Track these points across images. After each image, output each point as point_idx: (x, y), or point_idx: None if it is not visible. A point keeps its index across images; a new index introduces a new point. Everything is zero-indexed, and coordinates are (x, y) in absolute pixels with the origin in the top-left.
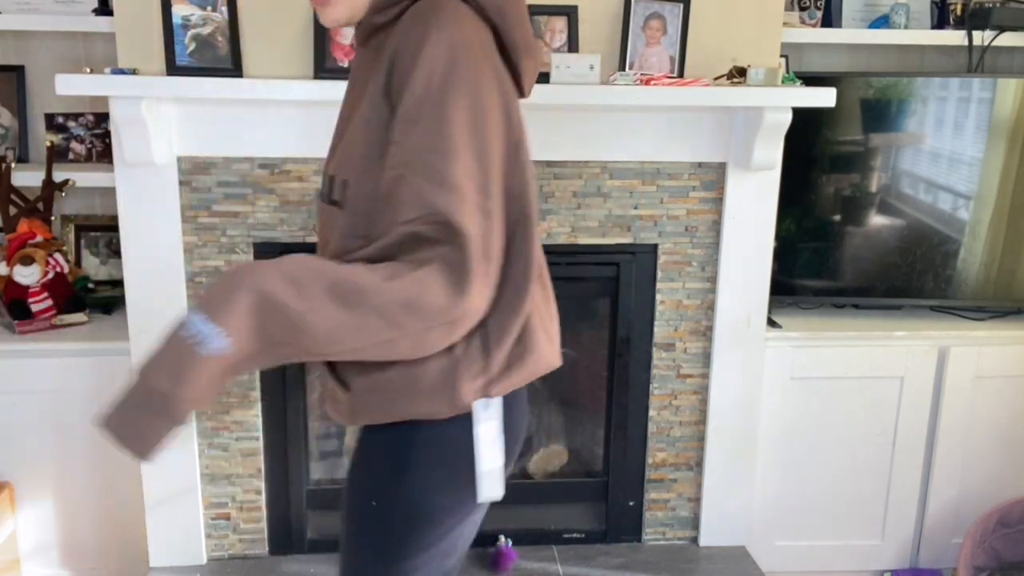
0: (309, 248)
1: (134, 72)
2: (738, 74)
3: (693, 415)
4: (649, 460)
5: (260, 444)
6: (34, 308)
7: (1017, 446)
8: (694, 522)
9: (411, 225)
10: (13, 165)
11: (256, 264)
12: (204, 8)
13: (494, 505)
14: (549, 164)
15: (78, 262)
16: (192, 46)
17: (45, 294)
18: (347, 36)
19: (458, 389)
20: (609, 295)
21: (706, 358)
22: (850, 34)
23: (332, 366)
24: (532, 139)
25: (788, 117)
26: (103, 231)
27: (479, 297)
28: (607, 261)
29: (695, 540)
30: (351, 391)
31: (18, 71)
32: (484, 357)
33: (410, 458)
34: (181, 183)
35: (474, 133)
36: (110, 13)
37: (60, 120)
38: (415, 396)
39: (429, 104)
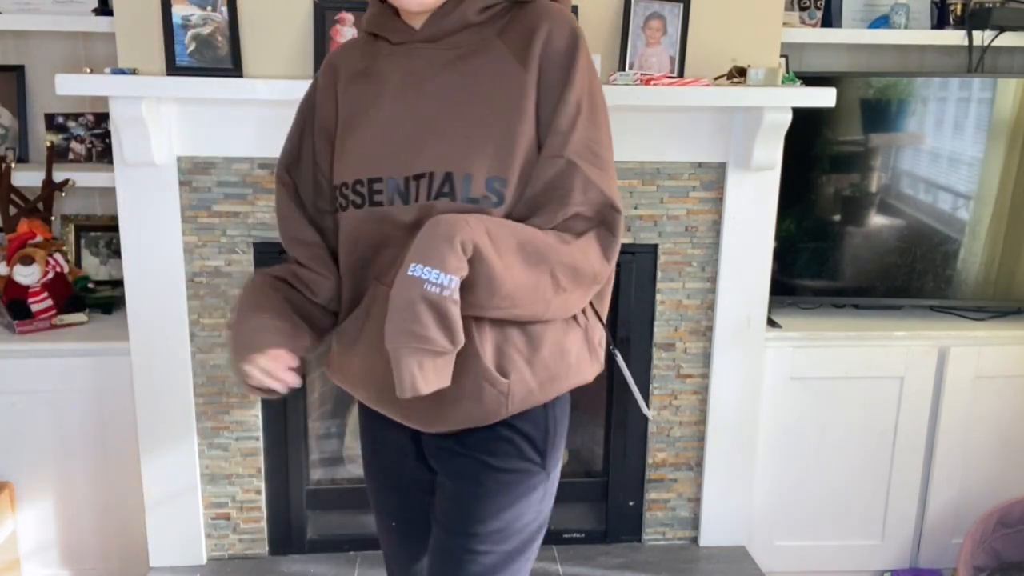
0: None
1: (134, 72)
2: (738, 74)
3: (693, 415)
4: (649, 460)
5: (260, 444)
6: (34, 308)
7: (1017, 446)
8: (694, 522)
9: (583, 207)
10: (13, 165)
11: (461, 217)
12: (204, 8)
13: None
14: None
15: (78, 262)
16: (192, 46)
17: (45, 294)
18: (345, 38)
19: (596, 353)
20: None
21: (706, 358)
22: (850, 34)
23: (481, 358)
24: None
25: (788, 117)
26: (103, 231)
27: (613, 265)
28: None
29: (695, 540)
30: (512, 378)
31: (18, 71)
32: (597, 320)
33: (557, 432)
34: (181, 183)
35: (608, 124)
36: (110, 13)
37: (60, 120)
38: (568, 370)
39: (587, 98)
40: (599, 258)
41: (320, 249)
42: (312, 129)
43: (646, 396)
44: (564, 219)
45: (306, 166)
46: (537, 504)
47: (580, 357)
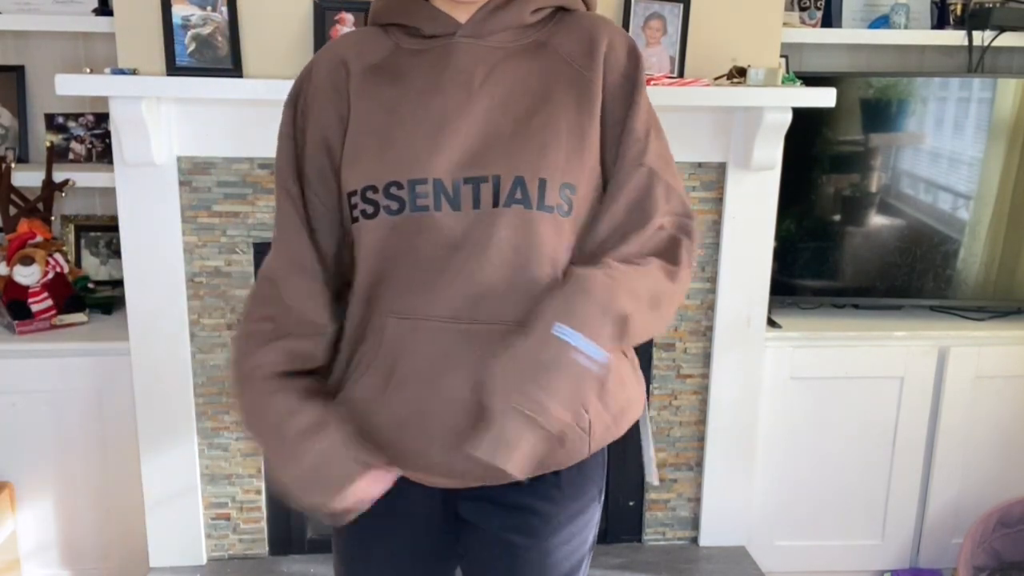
0: None
1: (134, 72)
2: (738, 74)
3: (693, 415)
4: None
5: None
6: (34, 308)
7: (1017, 446)
8: (694, 522)
9: (666, 218)
10: (13, 165)
11: (611, 282)
12: (204, 8)
13: None
14: None
15: (78, 262)
16: (192, 46)
17: (45, 294)
18: None
19: (640, 376)
20: None
21: (706, 358)
22: (850, 34)
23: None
24: None
25: (788, 117)
26: (103, 231)
27: None
28: None
29: (695, 540)
30: (592, 413)
31: (18, 71)
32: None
33: (603, 471)
34: (181, 183)
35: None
36: (110, 13)
37: (60, 120)
38: (628, 400)
39: (652, 108)
40: (689, 276)
41: (317, 282)
42: (307, 135)
43: (647, 396)
44: (664, 242)
45: (308, 178)
46: (594, 529)
47: (632, 384)
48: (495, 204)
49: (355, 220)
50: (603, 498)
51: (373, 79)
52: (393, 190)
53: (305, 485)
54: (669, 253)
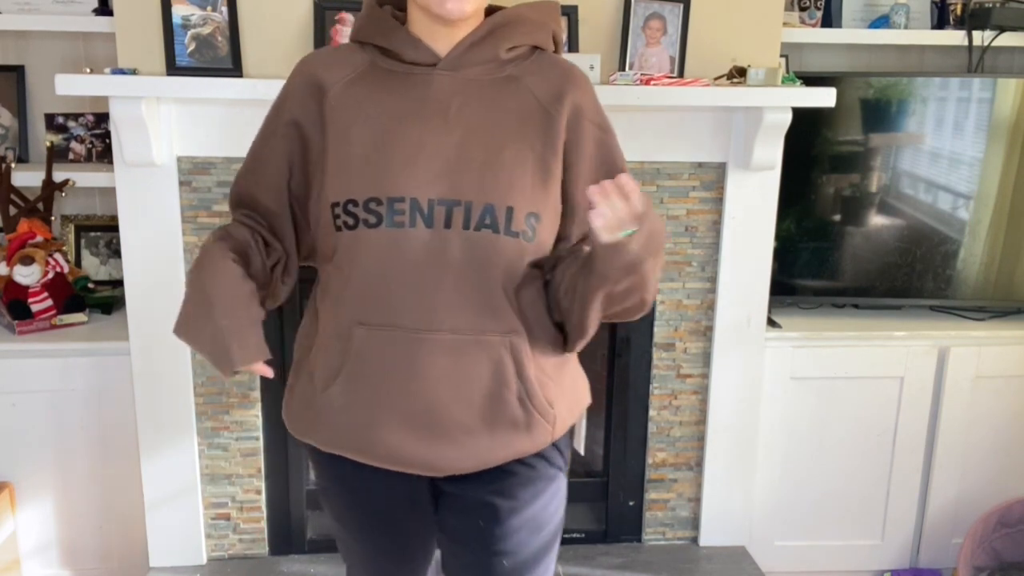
0: None
1: (134, 72)
2: (738, 74)
3: (693, 415)
4: (649, 460)
5: (260, 444)
6: (34, 308)
7: (1017, 446)
8: (694, 522)
9: None
10: (13, 165)
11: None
12: (204, 8)
13: None
14: None
15: (78, 262)
16: (192, 46)
17: (45, 294)
18: (346, 38)
19: (584, 373)
20: None
21: (706, 358)
22: (850, 34)
23: (537, 391)
24: None
25: (788, 117)
26: (103, 231)
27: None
28: None
29: (695, 540)
30: (557, 407)
31: (18, 71)
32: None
33: (566, 451)
34: (181, 183)
35: None
36: (110, 13)
37: (60, 120)
38: (579, 392)
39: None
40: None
41: (278, 221)
42: (287, 142)
43: (647, 395)
44: None
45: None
46: (560, 500)
47: (581, 378)
48: (466, 227)
49: (338, 229)
50: (567, 471)
51: (353, 94)
52: (372, 205)
53: (211, 345)
54: None
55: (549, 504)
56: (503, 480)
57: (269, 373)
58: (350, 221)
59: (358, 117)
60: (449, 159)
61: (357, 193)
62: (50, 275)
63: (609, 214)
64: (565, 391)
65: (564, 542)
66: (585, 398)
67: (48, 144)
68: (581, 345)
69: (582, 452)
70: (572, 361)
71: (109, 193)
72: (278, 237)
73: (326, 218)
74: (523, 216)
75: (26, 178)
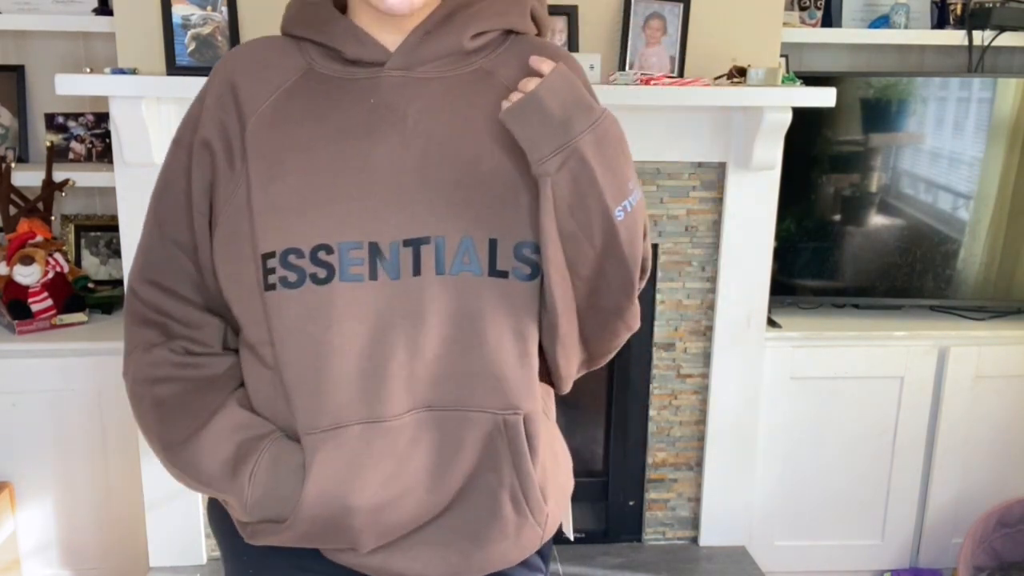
0: None
1: (134, 72)
2: (738, 74)
3: (693, 415)
4: (649, 460)
5: None
6: (34, 308)
7: (1017, 446)
8: (694, 522)
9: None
10: (13, 165)
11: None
12: (204, 8)
13: None
14: None
15: (78, 262)
16: (192, 46)
17: (45, 294)
18: None
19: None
20: None
21: (706, 358)
22: (850, 34)
23: (526, 488)
24: None
25: (788, 117)
26: (103, 231)
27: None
28: None
29: (695, 540)
30: (550, 504)
31: (18, 71)
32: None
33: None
34: None
35: None
36: (110, 13)
37: (60, 120)
38: (567, 477)
39: None
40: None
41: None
42: (191, 178)
43: (647, 395)
44: None
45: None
46: None
47: (563, 449)
48: (439, 271)
49: (270, 287)
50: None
51: (284, 114)
52: (322, 255)
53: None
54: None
55: None
56: None
57: None
58: (291, 277)
59: (295, 143)
60: (411, 183)
61: (301, 240)
62: (50, 275)
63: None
64: (558, 471)
65: (564, 542)
66: (571, 479)
67: (48, 144)
68: (569, 371)
69: (572, 539)
70: (552, 422)
71: (109, 193)
72: (208, 291)
73: (248, 274)
74: (511, 248)
75: (26, 178)
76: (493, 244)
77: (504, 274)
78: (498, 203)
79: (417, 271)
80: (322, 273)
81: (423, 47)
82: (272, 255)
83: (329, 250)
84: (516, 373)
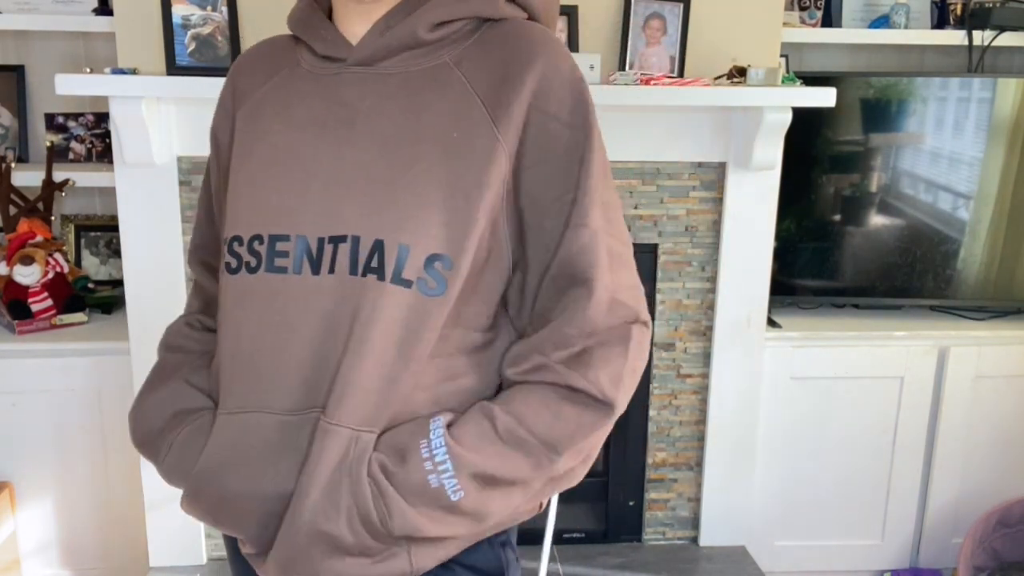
0: None
1: (134, 72)
2: (738, 74)
3: (693, 415)
4: (649, 460)
5: None
6: (34, 308)
7: (1017, 446)
8: (694, 522)
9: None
10: (13, 165)
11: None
12: (204, 8)
13: None
14: None
15: (78, 262)
16: (192, 46)
17: (45, 294)
18: None
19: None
20: None
21: (706, 358)
22: (850, 34)
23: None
24: None
25: (788, 117)
26: (103, 231)
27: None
28: None
29: (695, 540)
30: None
31: (18, 71)
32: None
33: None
34: (181, 183)
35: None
36: (110, 13)
37: (60, 120)
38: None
39: (606, 157)
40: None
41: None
42: (215, 163)
43: (647, 395)
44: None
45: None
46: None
47: None
48: (352, 271)
49: (223, 272)
50: (511, 549)
51: (266, 105)
52: (256, 244)
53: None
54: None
55: None
56: None
57: None
58: (233, 263)
59: (266, 133)
60: (345, 182)
61: (244, 228)
62: (50, 275)
63: None
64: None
65: (564, 542)
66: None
67: (48, 144)
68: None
69: None
70: None
71: (109, 193)
72: None
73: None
74: (422, 258)
75: (26, 178)
76: (404, 251)
77: (408, 283)
78: (421, 210)
79: (333, 269)
80: (253, 262)
81: (383, 41)
82: (226, 240)
83: (261, 240)
84: (384, 389)
